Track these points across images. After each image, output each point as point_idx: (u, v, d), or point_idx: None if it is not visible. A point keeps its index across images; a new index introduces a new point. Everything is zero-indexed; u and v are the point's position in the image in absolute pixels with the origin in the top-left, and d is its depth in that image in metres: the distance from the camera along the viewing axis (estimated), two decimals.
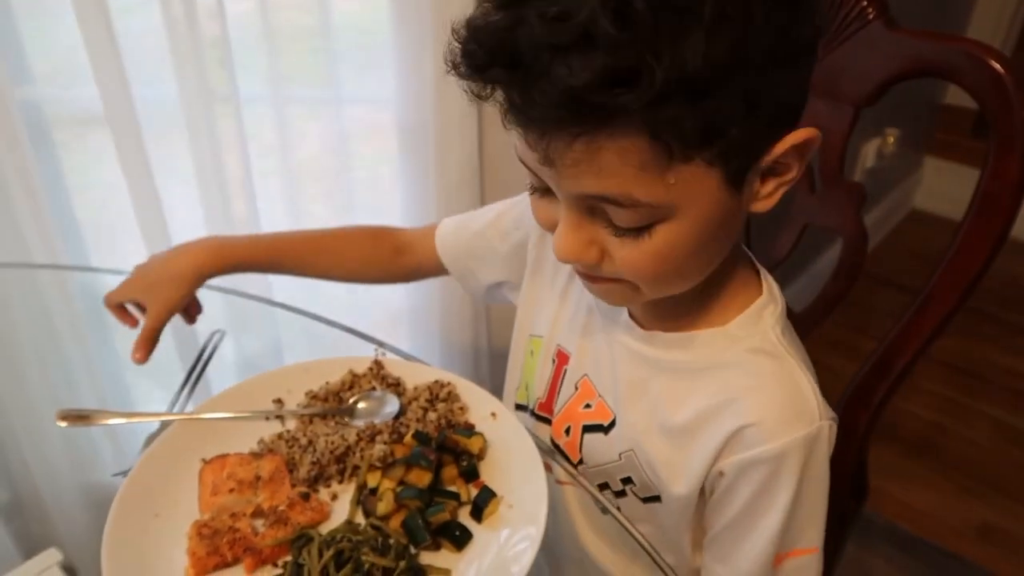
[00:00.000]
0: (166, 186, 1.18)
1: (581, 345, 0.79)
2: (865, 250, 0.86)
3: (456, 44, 0.54)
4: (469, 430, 0.71)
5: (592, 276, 0.64)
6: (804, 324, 0.92)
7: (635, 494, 0.74)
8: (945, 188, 2.73)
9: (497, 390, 0.94)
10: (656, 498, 0.72)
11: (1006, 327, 2.30)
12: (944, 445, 1.92)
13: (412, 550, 0.60)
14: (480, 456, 0.69)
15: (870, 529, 1.68)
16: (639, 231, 0.57)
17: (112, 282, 0.91)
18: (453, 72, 0.55)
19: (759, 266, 0.72)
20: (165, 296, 0.85)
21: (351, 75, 1.25)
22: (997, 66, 0.71)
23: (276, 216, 1.30)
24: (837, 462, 0.91)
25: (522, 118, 0.54)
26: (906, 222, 2.80)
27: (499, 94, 0.54)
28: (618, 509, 0.75)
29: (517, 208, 0.89)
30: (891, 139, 2.29)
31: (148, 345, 0.84)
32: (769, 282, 0.71)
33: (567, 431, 0.79)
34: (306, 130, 1.30)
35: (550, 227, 0.64)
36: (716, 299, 0.67)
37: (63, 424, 0.71)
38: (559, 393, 0.81)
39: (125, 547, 0.59)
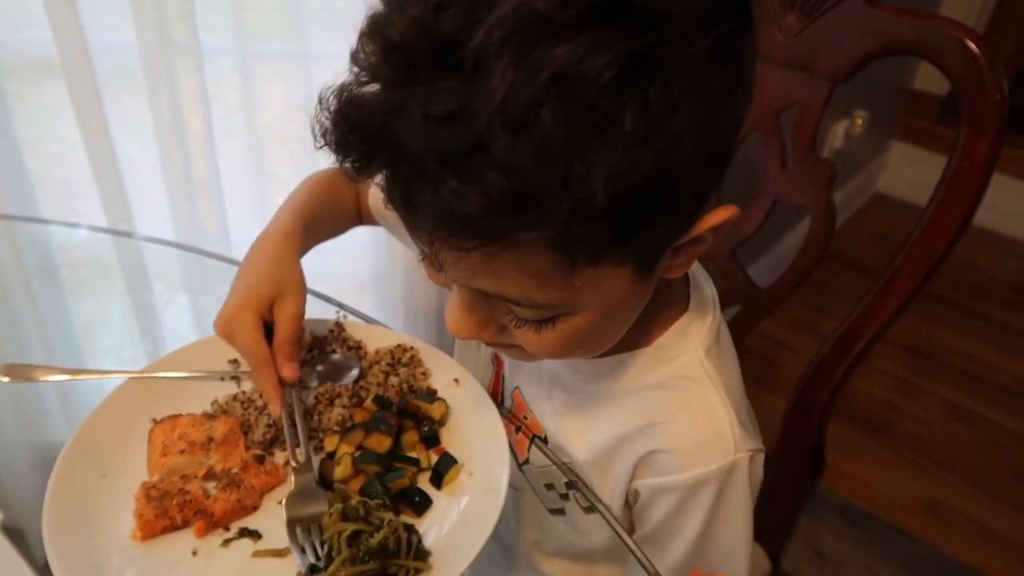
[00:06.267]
0: (124, 142, 1.14)
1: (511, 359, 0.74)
2: (833, 227, 0.86)
3: (325, 116, 0.44)
4: (431, 395, 0.70)
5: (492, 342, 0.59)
6: (769, 301, 0.93)
7: (578, 501, 0.71)
8: (909, 173, 2.76)
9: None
10: (594, 508, 0.70)
11: (959, 310, 2.35)
12: (896, 424, 1.96)
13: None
14: (442, 422, 0.68)
15: (822, 504, 1.72)
16: (540, 323, 0.53)
17: (64, 235, 0.86)
18: (324, 147, 0.45)
19: (689, 272, 0.66)
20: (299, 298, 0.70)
21: (319, 33, 1.21)
22: (972, 46, 0.71)
23: (239, 177, 1.26)
24: (796, 438, 0.93)
25: (406, 218, 0.46)
26: (870, 205, 2.84)
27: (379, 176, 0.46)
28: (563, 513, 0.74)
29: None
30: (859, 121, 2.30)
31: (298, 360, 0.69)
32: (700, 291, 0.66)
33: (517, 429, 0.76)
34: (272, 90, 1.26)
35: (447, 286, 0.58)
36: (641, 319, 0.61)
37: (5, 379, 0.68)
38: (502, 393, 0.79)
39: (68, 507, 0.57)
